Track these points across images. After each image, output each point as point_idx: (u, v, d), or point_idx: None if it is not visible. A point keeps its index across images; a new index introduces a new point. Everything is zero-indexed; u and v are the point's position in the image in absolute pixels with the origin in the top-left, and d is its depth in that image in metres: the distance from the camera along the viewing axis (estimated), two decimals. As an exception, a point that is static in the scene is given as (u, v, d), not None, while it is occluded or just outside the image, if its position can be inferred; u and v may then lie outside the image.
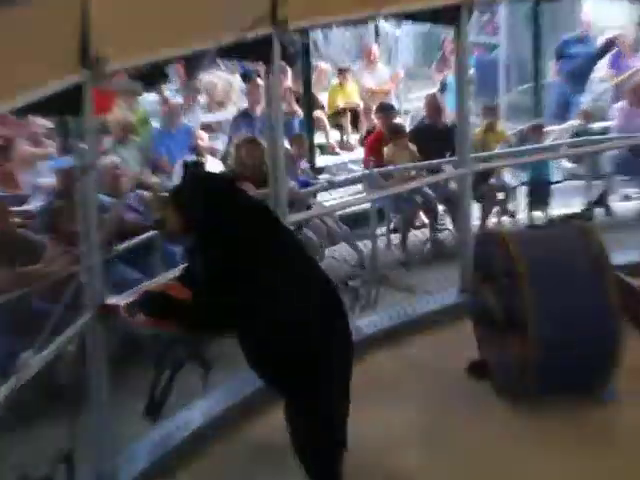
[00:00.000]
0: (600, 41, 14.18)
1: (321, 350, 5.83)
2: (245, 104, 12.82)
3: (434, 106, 11.82)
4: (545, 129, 12.37)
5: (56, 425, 6.94)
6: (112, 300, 6.71)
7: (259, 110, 12.09)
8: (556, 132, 12.66)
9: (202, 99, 13.79)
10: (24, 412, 6.75)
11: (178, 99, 12.98)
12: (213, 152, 11.94)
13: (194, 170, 6.67)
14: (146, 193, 9.78)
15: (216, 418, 7.55)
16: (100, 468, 6.70)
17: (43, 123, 11.39)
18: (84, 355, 6.79)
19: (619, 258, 8.71)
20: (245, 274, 5.65)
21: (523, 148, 11.73)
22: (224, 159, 11.82)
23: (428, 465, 6.93)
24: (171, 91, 13.31)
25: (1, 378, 6.43)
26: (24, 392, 6.58)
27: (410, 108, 14.42)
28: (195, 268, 5.91)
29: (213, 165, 11.33)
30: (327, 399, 5.94)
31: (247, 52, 7.76)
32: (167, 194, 6.38)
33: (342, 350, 6.06)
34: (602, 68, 14.12)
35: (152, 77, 9.90)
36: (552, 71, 14.55)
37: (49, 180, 10.15)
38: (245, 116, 12.46)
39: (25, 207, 9.93)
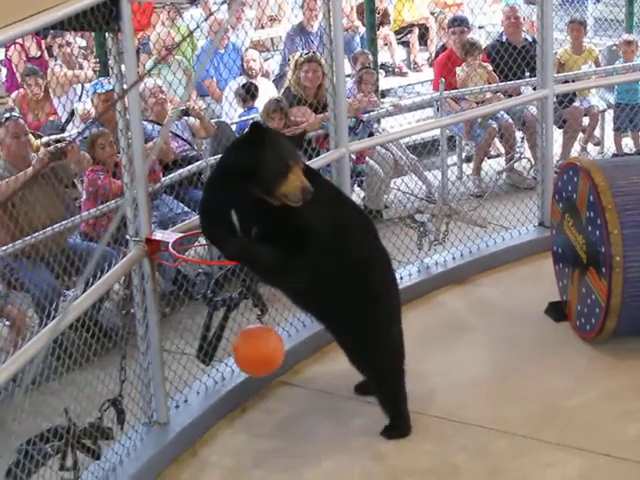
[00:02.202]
0: None
1: (379, 292, 6.83)
2: (300, 18, 12.63)
3: (513, 20, 11.56)
4: (639, 45, 12.15)
5: (104, 369, 7.06)
6: (159, 235, 6.82)
7: (316, 25, 12.08)
8: None
9: (252, 14, 13.64)
10: (72, 355, 6.84)
11: (225, 14, 12.83)
12: (266, 74, 11.80)
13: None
14: (192, 120, 9.83)
15: None
16: (150, 414, 6.91)
17: (78, 42, 11.43)
18: (131, 294, 6.95)
19: None
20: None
21: (612, 67, 11.62)
22: (279, 81, 11.70)
23: (505, 410, 7.08)
24: (217, 4, 13.15)
25: (47, 318, 6.67)
26: (71, 334, 6.84)
27: (486, 23, 14.13)
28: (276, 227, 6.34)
29: (267, 88, 11.29)
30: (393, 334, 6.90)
31: None
32: None
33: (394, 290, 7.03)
34: None
35: None
36: None
37: (87, 105, 10.22)
38: (301, 31, 12.37)
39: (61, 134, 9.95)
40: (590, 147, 11.78)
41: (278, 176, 6.06)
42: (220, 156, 7.23)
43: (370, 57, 11.23)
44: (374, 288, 6.85)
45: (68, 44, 11.08)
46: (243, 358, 6.86)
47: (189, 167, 9.05)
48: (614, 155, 11.03)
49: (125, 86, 6.43)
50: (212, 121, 10.03)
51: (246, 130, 6.52)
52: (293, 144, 6.38)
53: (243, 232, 6.41)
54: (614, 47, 11.78)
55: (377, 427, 6.88)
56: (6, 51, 11.56)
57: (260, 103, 10.27)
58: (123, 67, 6.51)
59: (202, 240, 7.45)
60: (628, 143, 11.67)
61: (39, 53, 11.53)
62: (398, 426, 6.88)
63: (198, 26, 10.65)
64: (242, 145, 6.40)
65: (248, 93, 10.25)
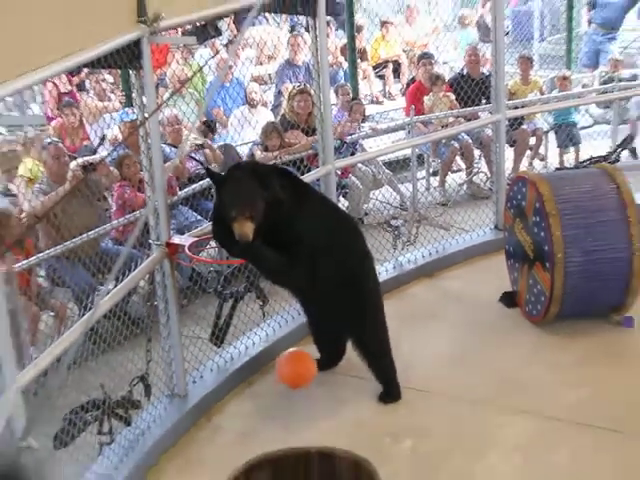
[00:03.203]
0: None
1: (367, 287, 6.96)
2: (287, 54, 12.55)
3: (473, 57, 11.55)
4: (573, 78, 12.11)
5: (133, 351, 7.14)
6: (177, 239, 6.88)
7: (301, 59, 11.99)
8: (587, 79, 12.49)
9: (253, 53, 13.51)
10: (106, 340, 6.97)
11: (230, 54, 12.77)
12: (265, 103, 11.80)
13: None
14: (207, 151, 9.84)
15: (274, 344, 7.73)
16: (172, 388, 7.00)
17: (108, 78, 11.43)
18: (154, 289, 7.04)
19: None
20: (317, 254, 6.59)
21: (553, 95, 11.63)
22: (275, 109, 11.74)
23: (466, 379, 7.16)
24: (222, 45, 13.10)
25: (84, 309, 6.75)
26: (105, 322, 6.92)
27: (448, 59, 14.18)
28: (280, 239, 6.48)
29: (265, 115, 11.31)
30: (379, 320, 7.04)
31: (294, 6, 7.72)
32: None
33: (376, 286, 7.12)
34: (632, 18, 13.75)
35: (205, 32, 9.90)
36: (584, 21, 14.20)
37: (115, 131, 10.22)
38: (289, 66, 12.21)
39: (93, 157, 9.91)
40: (536, 162, 11.76)
41: (228, 220, 6.28)
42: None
43: (350, 89, 11.28)
44: (371, 282, 7.01)
45: (102, 80, 11.10)
46: (285, 376, 7.03)
47: (201, 182, 9.07)
48: (557, 169, 11.02)
49: (146, 115, 6.47)
50: (219, 144, 10.08)
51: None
52: (263, 178, 6.40)
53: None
54: (555, 79, 11.78)
55: (361, 397, 6.98)
56: (44, 87, 11.55)
57: (260, 127, 10.29)
58: (144, 99, 6.56)
59: (212, 243, 7.46)
60: (569, 158, 11.69)
61: (69, 88, 11.52)
62: (391, 393, 7.00)
63: (206, 63, 10.70)
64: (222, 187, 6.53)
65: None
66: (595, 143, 11.64)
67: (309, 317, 7.31)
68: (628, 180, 7.92)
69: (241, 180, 6.34)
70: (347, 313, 6.89)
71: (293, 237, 6.50)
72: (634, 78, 12.13)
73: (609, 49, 13.16)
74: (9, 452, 4.56)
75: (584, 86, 12.46)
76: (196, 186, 9.08)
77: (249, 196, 6.25)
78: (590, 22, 13.86)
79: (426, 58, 11.95)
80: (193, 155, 9.79)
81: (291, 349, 7.29)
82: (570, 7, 13.78)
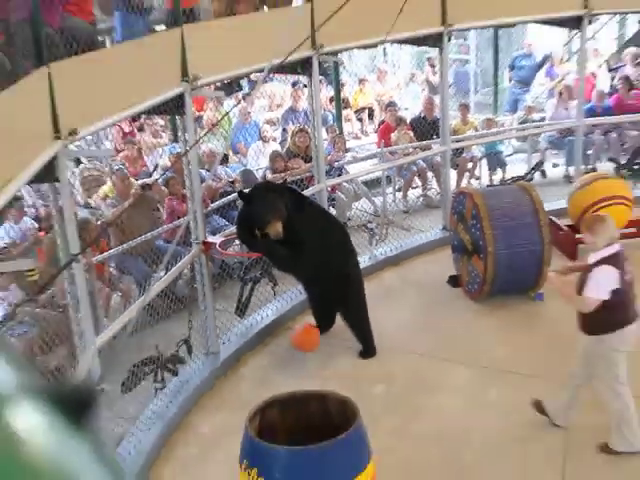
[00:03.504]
0: (540, 56, 13.78)
1: (352, 275, 6.97)
2: (290, 102, 12.31)
3: (429, 105, 11.33)
4: (498, 120, 12.14)
5: (179, 321, 7.19)
6: (210, 239, 6.92)
7: (300, 107, 11.79)
8: (509, 120, 12.52)
9: (266, 102, 13.37)
10: (159, 312, 7.01)
11: (248, 103, 12.74)
12: (274, 139, 11.66)
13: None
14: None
15: (282, 315, 7.76)
16: (208, 348, 7.04)
17: (160, 122, 11.41)
18: (194, 275, 7.04)
19: (550, 206, 8.82)
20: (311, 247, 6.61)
21: (485, 132, 11.48)
22: (281, 144, 11.68)
23: (423, 340, 7.20)
24: (242, 97, 12.98)
25: (143, 291, 6.75)
26: (158, 300, 6.92)
27: (409, 105, 14.08)
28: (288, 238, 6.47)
29: (275, 147, 11.28)
30: (361, 297, 7.04)
31: (295, 69, 7.75)
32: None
33: (358, 272, 7.14)
34: (541, 76, 13.77)
35: (230, 87, 9.84)
36: (507, 78, 14.20)
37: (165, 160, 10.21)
38: (291, 111, 12.04)
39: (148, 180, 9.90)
40: (473, 181, 11.63)
41: (263, 225, 6.36)
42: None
43: (337, 128, 11.27)
44: (354, 270, 7.06)
45: (155, 123, 11.09)
46: (299, 343, 7.12)
47: (228, 197, 9.01)
48: (487, 185, 11.01)
49: (187, 148, 6.48)
50: (240, 170, 10.05)
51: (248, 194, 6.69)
52: (278, 193, 6.49)
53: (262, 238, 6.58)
54: (485, 120, 11.77)
55: (347, 354, 7.00)
56: (112, 128, 11.51)
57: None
58: (187, 136, 6.56)
59: (236, 241, 7.48)
60: (496, 178, 11.64)
61: (130, 129, 11.50)
62: (369, 351, 7.01)
63: (231, 109, 10.67)
64: (248, 199, 6.57)
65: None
66: (515, 167, 11.61)
67: (309, 295, 7.31)
68: (539, 193, 7.96)
69: (267, 195, 6.47)
70: (337, 293, 6.92)
71: (297, 236, 6.52)
72: (542, 119, 12.14)
73: (524, 99, 13.12)
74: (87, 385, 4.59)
75: (508, 125, 12.44)
76: (224, 200, 8.99)
77: (276, 205, 6.39)
78: (510, 79, 13.85)
79: (392, 106, 11.91)
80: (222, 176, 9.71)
81: (303, 324, 7.31)
82: (496, 68, 13.80)
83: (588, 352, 5.31)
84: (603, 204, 8.69)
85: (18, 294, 6.90)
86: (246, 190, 6.84)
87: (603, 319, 5.14)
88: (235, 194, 8.93)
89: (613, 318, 5.15)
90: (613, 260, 5.14)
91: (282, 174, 9.22)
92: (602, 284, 5.11)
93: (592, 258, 5.25)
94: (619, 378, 5.25)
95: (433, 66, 14.23)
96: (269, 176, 9.49)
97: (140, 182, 8.88)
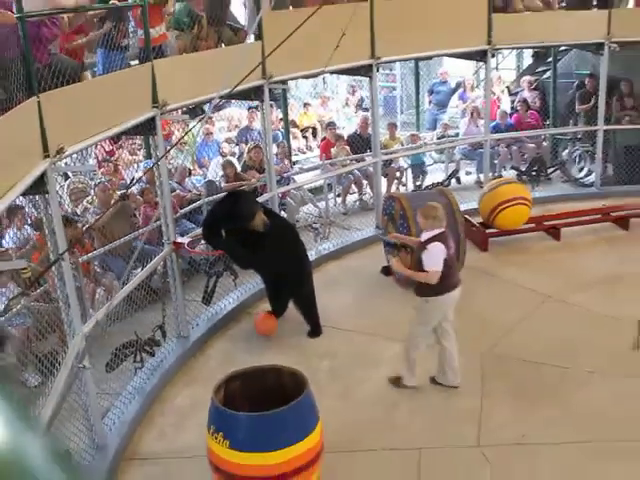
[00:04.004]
0: (454, 83, 13.94)
1: (303, 268, 6.98)
2: (246, 123, 12.21)
3: (363, 123, 11.28)
4: (421, 136, 12.22)
5: (154, 310, 7.13)
6: (180, 239, 6.88)
7: (255, 125, 11.67)
8: (429, 136, 12.63)
9: (225, 123, 13.28)
10: (137, 303, 6.90)
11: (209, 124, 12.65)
12: (232, 154, 11.64)
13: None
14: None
15: (242, 303, 7.73)
16: (179, 332, 6.98)
17: (137, 140, 11.26)
18: (166, 271, 6.97)
19: (464, 206, 8.92)
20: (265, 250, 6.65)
21: (409, 146, 11.55)
22: (239, 158, 11.61)
23: (362, 321, 7.24)
24: (205, 119, 12.76)
25: (122, 285, 6.66)
26: (136, 292, 6.84)
27: (346, 125, 14.11)
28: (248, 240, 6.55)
29: (234, 161, 11.21)
30: (310, 286, 7.04)
31: (250, 94, 7.78)
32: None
33: (308, 265, 7.13)
34: (455, 99, 13.91)
35: (194, 111, 9.74)
36: (427, 101, 14.32)
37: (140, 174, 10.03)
38: (247, 130, 11.89)
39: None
40: (400, 187, 11.73)
41: (251, 217, 6.42)
42: (214, 202, 7.53)
43: (285, 144, 11.28)
44: (305, 263, 7.07)
45: (132, 143, 10.98)
46: (260, 328, 7.06)
47: (195, 204, 8.90)
48: (412, 190, 11.09)
49: (156, 161, 6.46)
50: (204, 180, 9.98)
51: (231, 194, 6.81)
52: (253, 196, 6.58)
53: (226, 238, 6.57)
54: (410, 136, 11.84)
55: (298, 334, 7.01)
56: (95, 147, 11.31)
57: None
58: (158, 153, 6.54)
59: (202, 241, 7.36)
60: (419, 184, 11.70)
61: (110, 148, 11.33)
62: (316, 331, 7.03)
63: (194, 126, 10.58)
64: (233, 201, 6.61)
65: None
66: (435, 175, 11.71)
67: (266, 285, 7.27)
68: (455, 196, 8.07)
69: (246, 197, 6.82)
70: (291, 284, 6.92)
71: (254, 237, 6.52)
72: (457, 135, 12.26)
73: (442, 118, 13.21)
74: None
75: (428, 140, 12.53)
76: (191, 206, 8.87)
77: (255, 204, 6.64)
78: (430, 102, 13.94)
79: (331, 125, 11.96)
80: (190, 188, 9.61)
81: (259, 311, 7.28)
82: (417, 93, 13.92)
83: (416, 309, 5.76)
84: (507, 204, 8.88)
85: (15, 290, 6.76)
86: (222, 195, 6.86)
87: (435, 285, 5.51)
88: (199, 201, 8.92)
89: (442, 284, 5.51)
90: (440, 238, 5.52)
91: (234, 183, 9.19)
92: (438, 257, 5.47)
93: (424, 236, 5.61)
94: (425, 326, 5.74)
95: (354, 91, 14.51)
96: (223, 184, 9.44)
97: (119, 193, 8.77)
